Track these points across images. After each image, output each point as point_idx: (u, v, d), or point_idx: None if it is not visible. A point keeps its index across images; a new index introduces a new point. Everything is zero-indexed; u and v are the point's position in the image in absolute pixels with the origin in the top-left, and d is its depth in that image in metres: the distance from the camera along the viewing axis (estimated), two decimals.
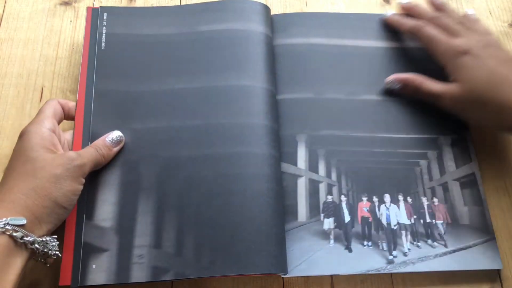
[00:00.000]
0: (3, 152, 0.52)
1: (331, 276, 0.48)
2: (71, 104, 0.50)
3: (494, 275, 0.49)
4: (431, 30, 0.54)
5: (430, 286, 0.48)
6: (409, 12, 0.59)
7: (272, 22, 0.59)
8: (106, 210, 0.47)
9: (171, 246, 0.46)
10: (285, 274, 0.46)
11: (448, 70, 0.52)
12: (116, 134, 0.49)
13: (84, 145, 0.49)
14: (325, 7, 0.63)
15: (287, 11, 0.62)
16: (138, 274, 0.44)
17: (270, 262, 0.45)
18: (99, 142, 0.48)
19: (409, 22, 0.57)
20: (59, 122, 0.48)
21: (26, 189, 0.40)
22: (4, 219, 0.38)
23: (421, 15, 0.57)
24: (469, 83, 0.50)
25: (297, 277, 0.48)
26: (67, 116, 0.50)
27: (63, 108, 0.49)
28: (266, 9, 0.58)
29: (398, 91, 0.55)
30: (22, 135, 0.44)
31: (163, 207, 0.47)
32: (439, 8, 0.58)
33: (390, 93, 0.56)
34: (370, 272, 0.47)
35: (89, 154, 0.46)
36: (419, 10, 0.58)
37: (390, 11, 0.60)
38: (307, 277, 0.48)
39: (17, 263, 0.39)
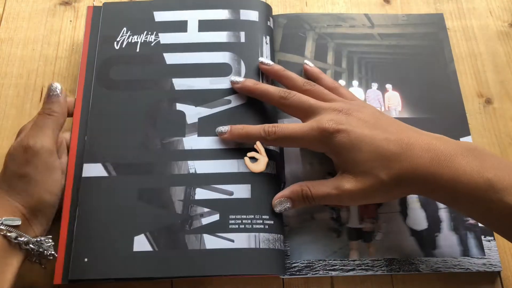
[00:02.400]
0: (3, 152, 0.52)
1: (331, 277, 0.48)
2: (70, 100, 0.50)
3: (494, 276, 0.48)
4: (287, 126, 0.46)
5: (430, 286, 0.48)
6: (272, 76, 0.53)
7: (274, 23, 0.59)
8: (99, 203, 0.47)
9: (168, 243, 0.45)
10: (283, 275, 0.46)
11: (328, 154, 0.46)
12: (54, 85, 0.47)
13: (80, 144, 0.49)
14: (325, 7, 0.63)
15: (287, 11, 0.62)
16: (133, 269, 0.44)
17: (268, 262, 0.45)
18: (45, 106, 0.46)
19: (274, 93, 0.49)
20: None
21: (18, 189, 0.41)
22: None
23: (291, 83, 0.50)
24: (358, 167, 0.42)
25: (297, 277, 0.48)
26: (68, 113, 0.50)
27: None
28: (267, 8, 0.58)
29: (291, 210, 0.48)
30: (20, 134, 0.45)
31: (160, 202, 0.47)
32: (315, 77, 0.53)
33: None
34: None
35: (50, 128, 0.45)
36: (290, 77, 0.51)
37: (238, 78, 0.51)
38: (307, 277, 0.48)
39: (13, 263, 0.39)
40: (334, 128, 0.43)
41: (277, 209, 0.46)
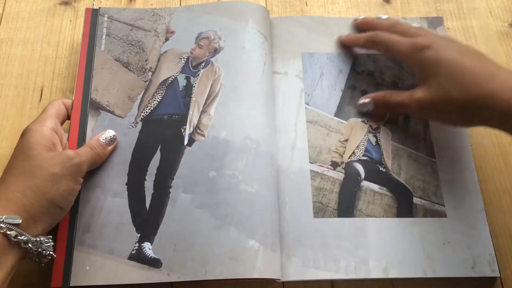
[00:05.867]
0: (3, 152, 0.52)
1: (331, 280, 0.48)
2: (68, 102, 0.51)
3: (494, 280, 0.48)
4: (389, 35, 0.52)
5: None
6: (363, 27, 0.58)
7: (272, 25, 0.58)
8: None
9: (168, 248, 0.45)
10: (279, 279, 0.46)
11: (413, 69, 0.52)
12: (109, 133, 0.49)
13: (80, 145, 0.49)
14: (326, 7, 0.63)
15: (287, 12, 0.62)
16: (133, 275, 0.44)
17: (265, 266, 0.45)
18: (93, 141, 0.48)
19: (364, 34, 0.55)
20: (62, 123, 0.49)
21: (23, 187, 0.40)
22: None
23: (377, 26, 0.55)
24: (434, 80, 0.47)
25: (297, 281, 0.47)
26: (70, 116, 0.50)
27: (67, 109, 0.50)
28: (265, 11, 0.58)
29: (372, 111, 0.54)
30: (23, 134, 0.44)
31: (160, 208, 0.47)
32: (391, 24, 0.55)
33: (365, 114, 0.55)
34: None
35: (86, 153, 0.46)
36: (374, 22, 0.56)
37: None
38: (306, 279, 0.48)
39: (8, 261, 0.39)
40: (424, 44, 0.48)
41: (359, 109, 0.54)
